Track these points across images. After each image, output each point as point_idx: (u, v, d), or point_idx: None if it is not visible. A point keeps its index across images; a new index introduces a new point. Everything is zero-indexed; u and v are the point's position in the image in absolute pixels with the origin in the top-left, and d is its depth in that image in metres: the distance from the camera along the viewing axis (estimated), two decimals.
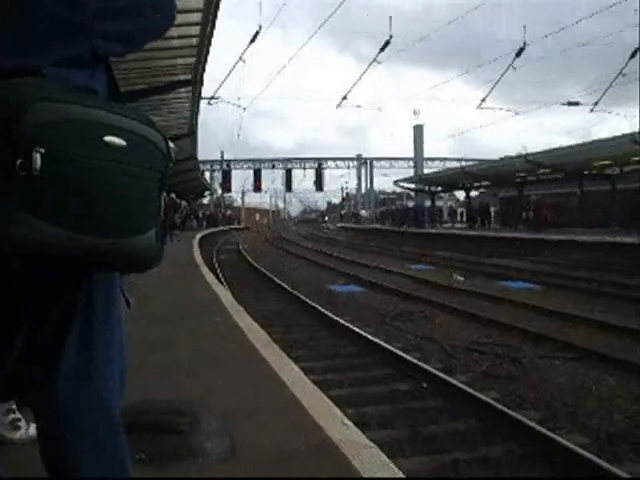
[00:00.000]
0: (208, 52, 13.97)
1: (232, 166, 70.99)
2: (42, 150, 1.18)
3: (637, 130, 23.05)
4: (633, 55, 28.37)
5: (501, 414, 5.56)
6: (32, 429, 2.87)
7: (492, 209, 46.56)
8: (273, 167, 73.61)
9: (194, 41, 13.16)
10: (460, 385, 6.41)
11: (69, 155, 1.21)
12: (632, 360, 7.39)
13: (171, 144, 1.43)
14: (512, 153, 43.83)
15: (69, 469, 1.45)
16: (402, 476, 2.75)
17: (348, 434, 3.24)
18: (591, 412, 5.94)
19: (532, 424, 5.24)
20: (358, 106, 44.65)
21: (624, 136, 23.24)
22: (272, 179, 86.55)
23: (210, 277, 12.58)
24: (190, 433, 3.30)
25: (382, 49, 30.13)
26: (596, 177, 31.90)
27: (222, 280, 15.40)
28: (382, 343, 8.43)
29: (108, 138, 1.27)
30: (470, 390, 6.22)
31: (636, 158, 26.98)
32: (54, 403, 1.43)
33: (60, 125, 1.21)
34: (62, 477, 1.47)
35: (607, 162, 28.73)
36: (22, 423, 2.99)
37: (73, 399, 1.43)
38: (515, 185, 38.49)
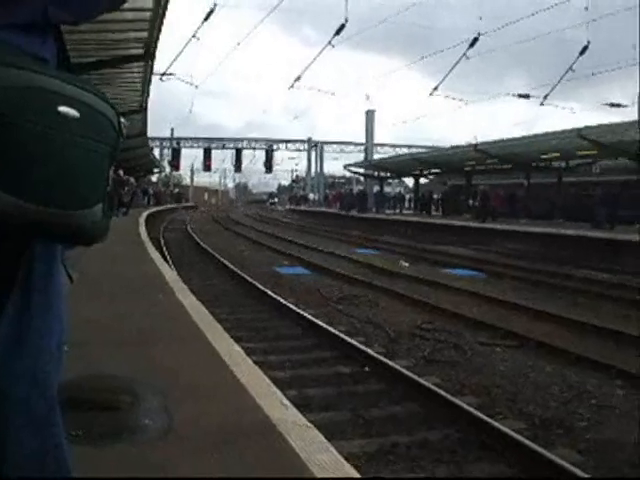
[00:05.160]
0: (161, 27, 13.70)
1: (182, 144, 70.18)
2: None
3: (583, 125, 23.55)
4: (582, 52, 28.94)
5: (441, 399, 5.63)
6: None
7: (435, 196, 46.83)
8: (223, 147, 72.96)
9: (147, 15, 12.86)
10: (402, 370, 6.48)
11: (21, 122, 1.17)
12: (568, 349, 7.59)
13: (122, 119, 1.39)
14: (461, 142, 44.41)
15: None
16: (341, 458, 2.75)
17: (287, 414, 3.23)
18: (528, 398, 6.07)
19: (471, 409, 5.32)
20: (310, 89, 44.50)
21: (571, 130, 23.70)
22: (222, 159, 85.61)
23: (155, 255, 12.40)
24: (129, 410, 3.25)
25: (337, 32, 29.93)
26: (543, 169, 32.50)
27: (168, 259, 15.25)
28: (325, 326, 8.46)
29: (62, 108, 1.23)
30: (411, 375, 6.29)
31: (582, 152, 27.57)
32: None
33: (14, 91, 1.17)
34: None
35: (555, 154, 29.29)
36: None
37: (6, 368, 1.37)
38: (464, 174, 38.96)
